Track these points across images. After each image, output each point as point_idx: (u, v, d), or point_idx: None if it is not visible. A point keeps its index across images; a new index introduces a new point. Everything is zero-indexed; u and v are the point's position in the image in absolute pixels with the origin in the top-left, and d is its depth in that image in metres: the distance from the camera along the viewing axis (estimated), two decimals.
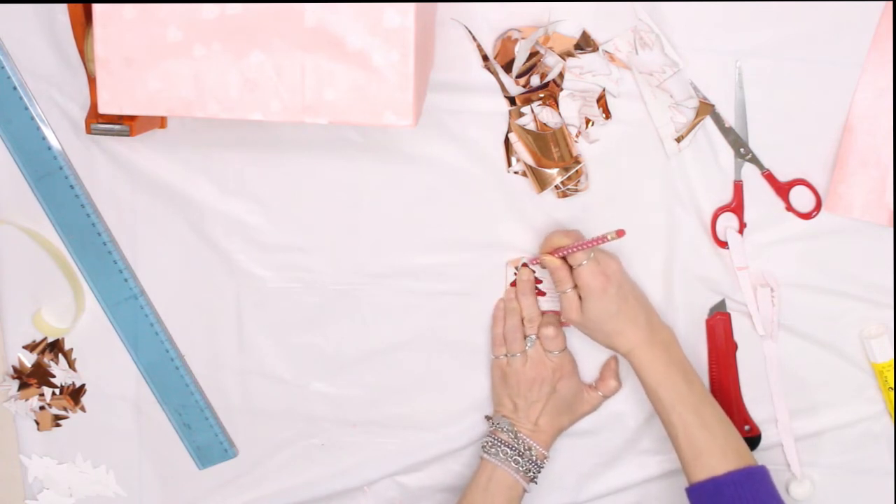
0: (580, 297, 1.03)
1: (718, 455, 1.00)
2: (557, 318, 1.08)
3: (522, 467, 1.07)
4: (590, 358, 1.11)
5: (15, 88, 1.06)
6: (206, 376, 1.14)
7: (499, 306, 1.10)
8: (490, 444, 1.08)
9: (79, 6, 0.98)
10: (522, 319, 1.08)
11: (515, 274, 1.09)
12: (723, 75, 1.03)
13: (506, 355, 1.09)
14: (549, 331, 1.07)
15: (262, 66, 0.88)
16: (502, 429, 1.08)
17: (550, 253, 1.04)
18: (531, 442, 1.07)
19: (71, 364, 1.14)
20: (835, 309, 1.07)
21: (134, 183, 1.09)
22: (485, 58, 1.04)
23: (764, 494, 0.99)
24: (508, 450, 1.07)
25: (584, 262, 1.02)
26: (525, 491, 1.07)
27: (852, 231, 1.05)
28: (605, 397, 1.10)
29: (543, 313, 1.09)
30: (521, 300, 1.08)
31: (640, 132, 1.05)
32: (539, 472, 1.08)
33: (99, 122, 1.00)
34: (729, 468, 0.99)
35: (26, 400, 1.15)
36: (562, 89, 1.04)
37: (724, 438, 1.01)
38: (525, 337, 1.08)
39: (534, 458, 1.07)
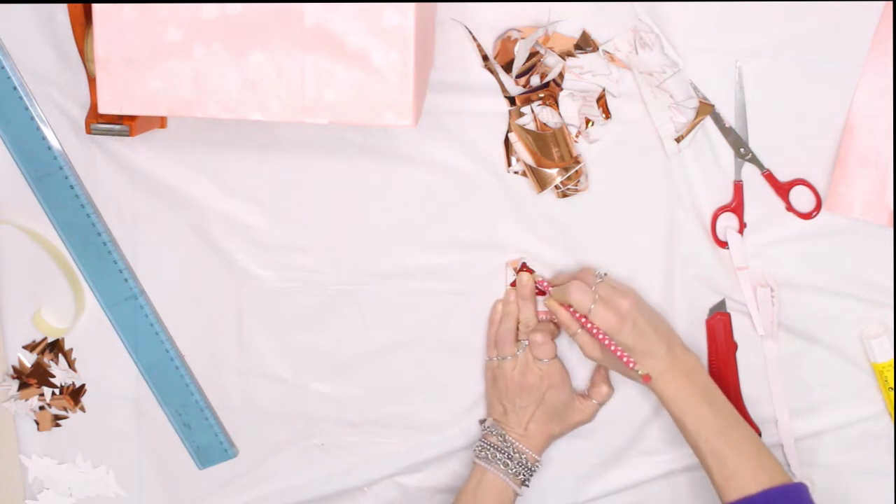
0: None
1: (749, 475, 0.98)
2: (550, 326, 1.08)
3: (512, 470, 1.06)
4: (583, 366, 1.11)
5: (15, 88, 1.06)
6: (206, 376, 1.14)
7: (496, 308, 1.09)
8: (480, 447, 1.08)
9: (79, 6, 0.98)
10: (518, 324, 1.08)
11: (516, 274, 1.09)
12: (723, 75, 1.03)
13: (497, 357, 1.08)
14: (538, 337, 1.06)
15: (262, 66, 0.88)
16: (492, 432, 1.08)
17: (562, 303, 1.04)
18: (521, 446, 1.07)
19: (71, 364, 1.14)
20: (835, 309, 1.07)
21: (134, 183, 1.09)
22: (485, 58, 1.04)
23: None
24: (498, 453, 1.07)
25: (592, 307, 1.01)
26: (517, 494, 1.07)
27: (852, 231, 1.05)
28: (600, 404, 1.10)
29: (541, 319, 1.09)
30: (520, 304, 1.08)
31: (640, 132, 1.05)
32: (531, 476, 1.08)
33: (99, 122, 1.00)
34: (762, 487, 0.98)
35: (26, 400, 1.15)
36: (562, 89, 1.04)
37: (754, 459, 0.99)
38: (517, 341, 1.08)
39: (524, 461, 1.07)
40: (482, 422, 1.11)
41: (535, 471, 1.08)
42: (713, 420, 1.01)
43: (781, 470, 1.00)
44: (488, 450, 1.07)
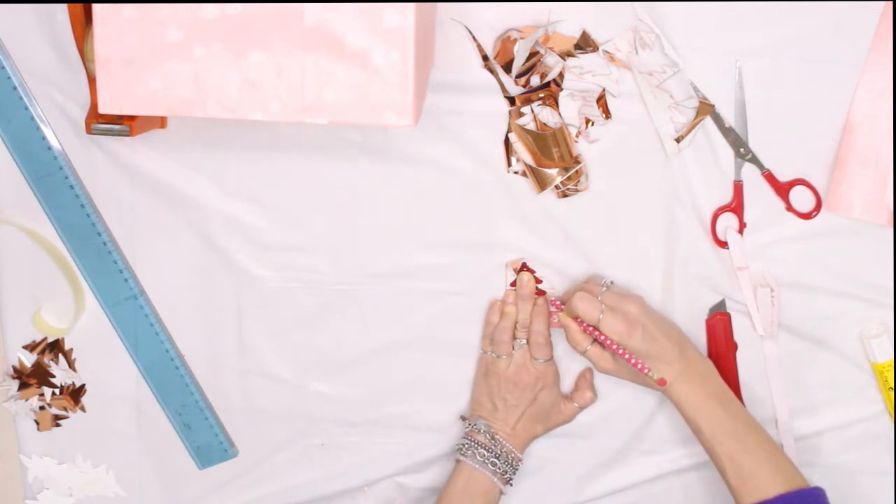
0: (603, 346, 1.03)
1: (766, 479, 0.98)
2: (548, 326, 1.08)
3: (500, 469, 1.06)
4: (573, 366, 1.11)
5: (15, 88, 1.06)
6: (206, 376, 1.14)
7: (493, 308, 1.09)
8: (466, 446, 1.08)
9: (79, 6, 0.98)
10: (515, 323, 1.08)
11: (516, 274, 1.09)
12: (723, 75, 1.03)
13: (492, 353, 1.08)
14: (539, 338, 1.07)
15: (262, 66, 0.88)
16: (479, 430, 1.08)
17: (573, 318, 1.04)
18: (509, 445, 1.07)
19: (71, 364, 1.14)
20: (835, 309, 1.07)
21: (134, 183, 1.09)
22: (485, 58, 1.04)
23: None
24: (485, 452, 1.07)
25: (601, 316, 1.01)
26: (502, 493, 1.07)
27: (852, 231, 1.05)
28: (581, 408, 1.10)
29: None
30: (519, 305, 1.08)
31: (640, 132, 1.05)
32: (514, 474, 1.08)
33: (99, 122, 1.00)
34: (778, 491, 0.97)
35: (26, 400, 1.15)
36: (562, 89, 1.04)
37: (770, 463, 0.99)
38: (514, 339, 1.08)
39: (511, 460, 1.07)
40: (464, 419, 1.11)
41: (518, 469, 1.08)
42: (728, 424, 1.01)
43: (798, 474, 1.00)
44: (475, 448, 1.07)
